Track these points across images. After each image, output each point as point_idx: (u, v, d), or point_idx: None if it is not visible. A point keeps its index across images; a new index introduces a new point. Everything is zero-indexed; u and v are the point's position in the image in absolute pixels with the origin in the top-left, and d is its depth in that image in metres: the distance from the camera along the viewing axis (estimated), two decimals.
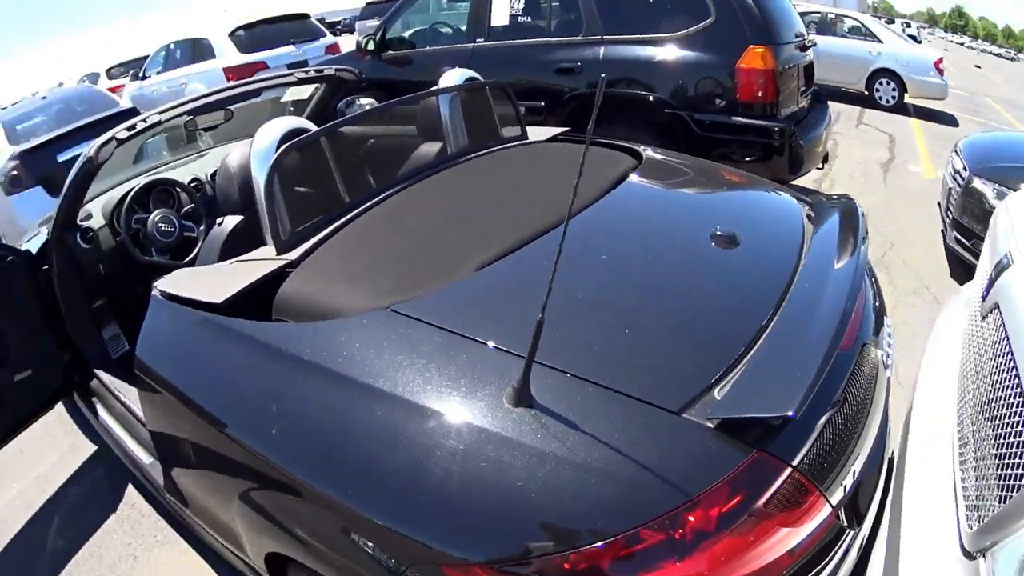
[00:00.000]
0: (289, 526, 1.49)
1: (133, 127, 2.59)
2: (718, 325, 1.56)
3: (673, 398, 1.30)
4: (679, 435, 1.24)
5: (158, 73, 11.28)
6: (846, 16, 12.79)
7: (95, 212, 3.10)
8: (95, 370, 2.87)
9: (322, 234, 1.93)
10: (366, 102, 3.93)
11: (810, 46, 4.74)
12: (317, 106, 3.84)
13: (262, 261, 1.88)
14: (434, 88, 2.63)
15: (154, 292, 1.94)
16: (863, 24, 12.17)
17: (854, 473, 1.39)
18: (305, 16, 10.46)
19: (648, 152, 2.47)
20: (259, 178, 2.01)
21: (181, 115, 2.80)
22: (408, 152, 2.58)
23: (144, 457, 2.42)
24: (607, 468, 1.19)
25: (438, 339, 1.46)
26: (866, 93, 11.61)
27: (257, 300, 1.77)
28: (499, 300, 1.61)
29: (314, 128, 2.21)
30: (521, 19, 5.03)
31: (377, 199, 2.13)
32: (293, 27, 10.06)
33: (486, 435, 1.27)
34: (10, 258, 2.64)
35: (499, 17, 5.13)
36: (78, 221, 2.88)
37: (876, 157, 7.96)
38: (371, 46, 5.77)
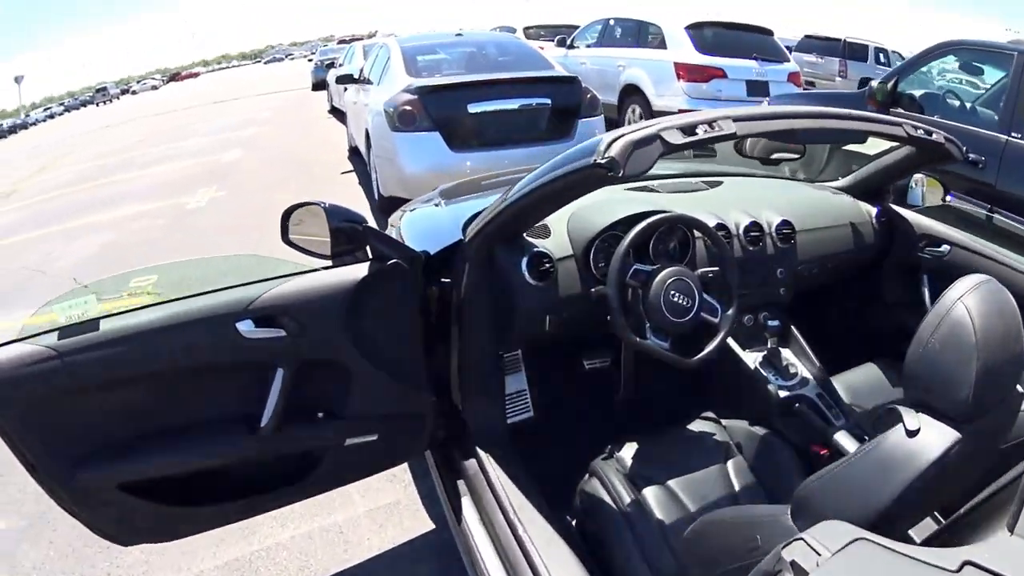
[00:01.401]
0: None
1: (691, 130, 1.64)
2: None
3: None
4: None
5: (588, 47, 10.47)
6: None
7: (555, 229, 2.23)
8: (476, 446, 2.13)
9: None
10: (920, 181, 2.93)
11: None
12: (879, 175, 2.74)
13: None
14: None
15: None
16: None
17: None
18: (769, 32, 9.11)
19: None
20: None
21: (766, 133, 2.06)
22: None
23: None
24: None
25: None
26: None
27: None
28: None
29: None
30: None
31: None
32: (754, 40, 8.77)
33: None
34: (393, 261, 1.96)
35: None
36: (526, 235, 2.14)
37: None
38: (881, 96, 5.25)
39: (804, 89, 9.22)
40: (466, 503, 2.10)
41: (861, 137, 2.58)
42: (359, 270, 1.94)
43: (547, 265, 2.09)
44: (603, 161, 1.55)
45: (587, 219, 2.21)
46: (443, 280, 2.15)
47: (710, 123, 1.73)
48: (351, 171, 8.26)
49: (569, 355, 2.65)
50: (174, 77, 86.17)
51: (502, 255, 2.09)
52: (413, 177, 5.35)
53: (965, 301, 1.37)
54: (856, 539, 1.05)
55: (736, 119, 1.76)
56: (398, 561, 2.58)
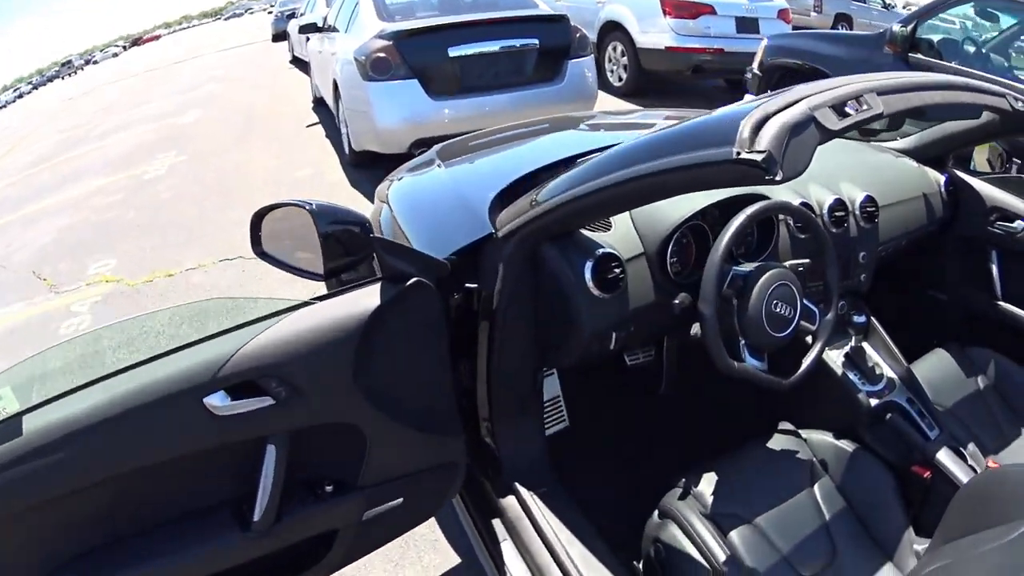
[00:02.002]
0: None
1: (841, 109, 1.28)
2: None
3: None
4: None
5: None
6: None
7: (616, 220, 1.75)
8: (514, 480, 1.78)
9: None
10: None
11: None
12: (947, 141, 2.38)
13: None
14: None
15: None
16: None
17: None
18: None
19: None
20: None
21: (908, 111, 1.52)
22: None
23: None
24: None
25: None
26: None
27: None
28: None
29: None
30: None
31: None
32: None
33: None
34: (412, 281, 1.47)
35: None
36: (586, 232, 1.67)
37: None
38: (900, 41, 5.00)
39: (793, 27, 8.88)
40: (507, 550, 1.74)
41: (978, 112, 2.22)
42: (368, 297, 1.46)
43: (616, 270, 1.65)
44: (757, 158, 1.12)
45: (659, 207, 1.75)
46: (467, 285, 1.72)
47: (857, 99, 1.37)
48: (317, 123, 7.82)
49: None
50: (136, 42, 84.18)
51: (555, 257, 1.63)
52: (389, 130, 4.97)
53: None
54: None
55: (880, 92, 1.41)
56: None
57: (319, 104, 8.12)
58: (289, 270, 1.55)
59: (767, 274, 1.60)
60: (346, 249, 1.49)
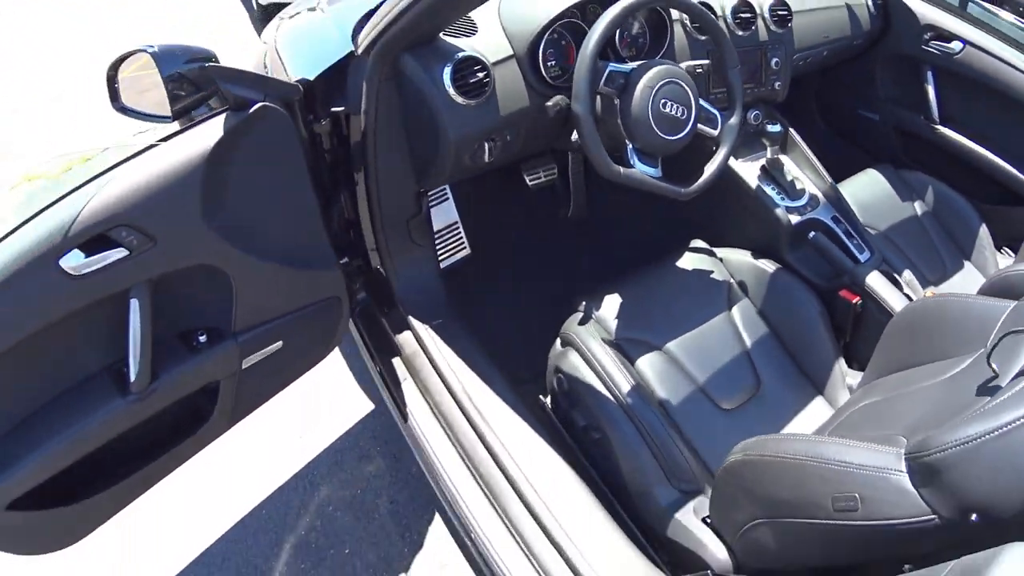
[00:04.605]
0: None
1: None
2: None
3: None
4: None
5: None
6: None
7: (483, 23, 1.68)
8: (408, 315, 1.77)
9: None
10: None
11: None
12: None
13: None
14: None
15: None
16: None
17: None
18: None
19: None
20: None
21: None
22: None
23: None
24: None
25: None
26: None
27: None
28: None
29: None
30: None
31: None
32: None
33: None
34: (259, 104, 1.36)
35: None
36: (444, 35, 1.59)
37: None
38: None
39: None
40: (408, 390, 1.74)
41: None
42: (211, 130, 1.36)
43: (480, 75, 1.59)
44: None
45: (528, 4, 1.70)
46: (334, 109, 1.65)
47: None
48: None
49: (505, 170, 2.15)
50: None
51: (413, 66, 1.56)
52: None
53: None
54: None
55: None
56: (344, 460, 2.18)
57: None
58: (144, 119, 1.48)
59: (652, 71, 1.54)
60: (195, 87, 1.42)
